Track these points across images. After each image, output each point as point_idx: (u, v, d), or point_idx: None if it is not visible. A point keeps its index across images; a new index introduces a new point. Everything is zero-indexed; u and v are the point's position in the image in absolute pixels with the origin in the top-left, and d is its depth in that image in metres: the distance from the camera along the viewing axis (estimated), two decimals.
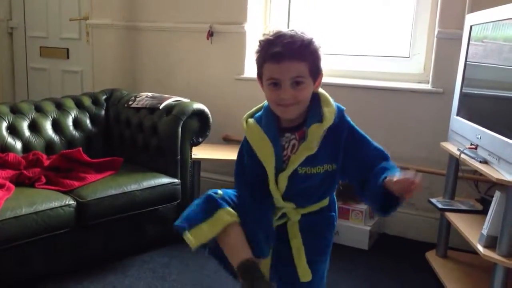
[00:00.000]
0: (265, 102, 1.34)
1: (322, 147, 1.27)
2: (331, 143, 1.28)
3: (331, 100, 1.32)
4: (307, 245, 1.35)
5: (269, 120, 1.30)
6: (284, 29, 1.27)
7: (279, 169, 1.29)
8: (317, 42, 1.27)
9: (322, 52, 1.29)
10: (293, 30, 1.26)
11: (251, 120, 1.33)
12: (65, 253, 2.20)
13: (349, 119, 1.32)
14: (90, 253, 2.30)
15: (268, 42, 1.24)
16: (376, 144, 1.32)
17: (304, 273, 1.35)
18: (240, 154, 1.40)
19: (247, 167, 1.36)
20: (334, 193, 1.42)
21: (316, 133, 1.26)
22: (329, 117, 1.27)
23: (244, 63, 3.10)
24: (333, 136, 1.28)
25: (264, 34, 1.28)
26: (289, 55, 1.21)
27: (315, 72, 1.27)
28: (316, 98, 1.30)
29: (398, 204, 1.20)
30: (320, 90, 1.33)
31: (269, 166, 1.29)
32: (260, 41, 1.27)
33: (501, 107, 1.96)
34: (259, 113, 1.35)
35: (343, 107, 1.34)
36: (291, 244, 1.34)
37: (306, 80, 1.24)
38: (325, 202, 1.37)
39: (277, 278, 1.40)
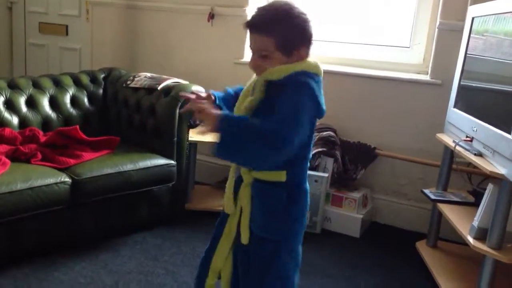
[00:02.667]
0: None
1: (265, 100, 1.30)
2: (272, 99, 1.26)
3: (298, 70, 1.27)
4: (254, 215, 1.33)
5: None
6: (278, 1, 1.30)
7: None
8: (298, 18, 1.27)
9: (305, 29, 1.29)
10: (284, 2, 1.29)
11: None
12: (59, 229, 2.22)
13: (298, 93, 1.23)
14: (83, 231, 2.31)
15: (256, 10, 1.31)
16: (279, 120, 1.19)
17: (244, 234, 1.35)
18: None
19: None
20: (303, 183, 1.36)
21: (258, 82, 1.32)
22: (273, 73, 1.27)
23: (244, 47, 3.08)
24: (275, 93, 1.26)
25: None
26: (255, 28, 1.28)
27: (286, 46, 1.27)
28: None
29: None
30: (303, 62, 1.29)
31: (240, 106, 1.36)
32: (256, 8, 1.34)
33: (498, 101, 1.97)
34: None
35: (308, 83, 1.25)
36: (242, 202, 1.35)
37: (272, 54, 1.27)
38: (280, 176, 1.31)
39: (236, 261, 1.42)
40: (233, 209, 1.39)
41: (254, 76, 1.38)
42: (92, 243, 2.32)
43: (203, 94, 1.42)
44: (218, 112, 1.21)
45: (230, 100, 1.46)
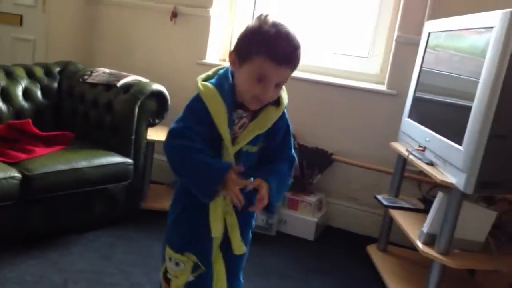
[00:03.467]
0: (220, 70, 1.32)
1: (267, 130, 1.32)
2: (274, 124, 1.32)
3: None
4: (240, 222, 1.36)
5: (228, 93, 1.26)
6: (279, 23, 1.22)
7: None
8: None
9: None
10: (287, 28, 1.22)
11: (210, 86, 1.27)
12: (7, 227, 2.12)
13: (285, 112, 1.38)
14: (33, 228, 2.22)
15: (272, 36, 1.19)
16: (291, 146, 1.40)
17: (239, 246, 1.37)
18: (194, 109, 1.28)
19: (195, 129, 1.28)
20: None
21: (272, 114, 1.30)
22: (284, 103, 1.33)
23: (206, 48, 3.08)
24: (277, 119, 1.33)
25: (259, 19, 1.23)
26: (289, 62, 1.22)
27: None
28: None
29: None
30: None
31: (226, 133, 1.25)
32: (261, 27, 1.21)
33: (451, 113, 2.07)
34: (214, 80, 1.30)
35: None
36: (227, 220, 1.33)
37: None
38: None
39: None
40: (222, 231, 1.32)
41: (212, 92, 1.25)
42: (43, 241, 2.23)
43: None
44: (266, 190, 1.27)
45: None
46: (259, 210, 1.30)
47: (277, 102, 1.31)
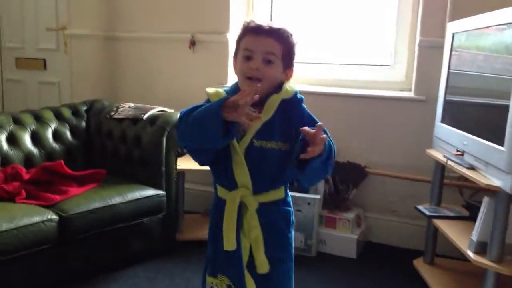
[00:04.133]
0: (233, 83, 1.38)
1: (276, 119, 1.28)
2: (285, 118, 1.28)
3: (295, 89, 1.34)
4: (266, 239, 1.31)
5: (234, 92, 1.28)
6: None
7: (238, 140, 1.28)
8: (296, 39, 1.32)
9: (297, 49, 1.33)
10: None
11: (220, 89, 1.34)
12: (47, 269, 2.12)
13: (305, 106, 1.34)
14: (72, 269, 2.22)
15: (251, 20, 1.32)
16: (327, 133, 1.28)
17: (262, 264, 1.31)
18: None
19: None
20: (288, 189, 1.39)
21: (272, 101, 1.28)
22: (288, 91, 1.30)
23: (227, 72, 3.08)
24: (288, 111, 1.29)
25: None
26: (268, 31, 1.27)
27: (288, 60, 1.31)
28: (280, 87, 1.32)
29: (309, 161, 1.20)
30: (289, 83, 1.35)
31: None
32: (244, 22, 1.33)
33: (487, 114, 1.99)
34: (226, 89, 1.37)
35: (303, 97, 1.35)
36: (250, 235, 1.30)
37: (276, 60, 1.28)
38: (281, 193, 1.34)
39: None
40: (235, 244, 1.28)
41: (217, 91, 1.31)
42: (81, 281, 2.22)
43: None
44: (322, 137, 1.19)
45: None
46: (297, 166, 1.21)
47: (279, 91, 1.30)
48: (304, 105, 1.33)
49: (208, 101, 1.30)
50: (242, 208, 1.30)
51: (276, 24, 1.30)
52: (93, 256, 2.27)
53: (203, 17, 3.11)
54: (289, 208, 1.38)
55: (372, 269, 2.48)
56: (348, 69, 3.00)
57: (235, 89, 1.32)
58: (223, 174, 1.31)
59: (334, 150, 1.28)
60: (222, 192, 1.34)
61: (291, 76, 1.34)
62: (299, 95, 1.33)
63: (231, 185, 1.30)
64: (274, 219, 1.33)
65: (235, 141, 1.26)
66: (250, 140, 1.27)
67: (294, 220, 1.40)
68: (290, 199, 1.40)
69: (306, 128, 1.18)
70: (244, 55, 1.28)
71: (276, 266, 1.33)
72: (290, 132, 1.28)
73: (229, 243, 1.28)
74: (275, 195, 1.33)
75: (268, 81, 1.27)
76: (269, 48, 1.27)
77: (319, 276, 2.38)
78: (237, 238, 1.29)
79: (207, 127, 1.20)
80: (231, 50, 3.06)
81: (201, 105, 1.26)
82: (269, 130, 1.27)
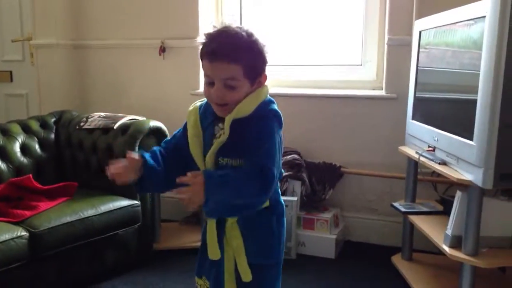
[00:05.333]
0: None
1: (236, 138, 1.23)
2: (243, 136, 1.23)
3: (263, 99, 1.28)
4: (248, 248, 1.31)
5: (208, 109, 1.32)
6: (231, 25, 1.26)
7: (205, 156, 1.30)
8: (260, 44, 1.26)
9: (265, 54, 1.27)
10: (239, 28, 1.25)
11: (197, 105, 1.36)
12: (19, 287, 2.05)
13: (273, 125, 1.24)
14: (46, 286, 2.15)
15: (208, 37, 1.24)
16: (266, 156, 1.20)
17: (245, 272, 1.30)
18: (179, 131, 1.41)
19: (175, 141, 1.39)
20: (280, 197, 1.38)
21: (227, 122, 1.24)
22: (243, 109, 1.24)
23: (199, 77, 3.05)
24: (245, 128, 1.23)
25: (213, 26, 1.27)
26: (221, 55, 1.20)
27: (253, 74, 1.25)
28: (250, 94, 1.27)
29: None
30: (261, 90, 1.28)
31: (195, 151, 1.30)
32: (204, 34, 1.26)
33: (456, 109, 2.01)
34: (202, 103, 1.37)
35: (276, 110, 1.27)
36: (232, 244, 1.30)
37: (238, 83, 1.22)
38: (266, 202, 1.32)
39: None
40: (219, 254, 1.30)
41: (194, 107, 1.34)
42: None
43: (136, 156, 1.29)
44: (202, 181, 1.12)
45: (159, 157, 1.34)
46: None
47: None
48: (271, 122, 1.24)
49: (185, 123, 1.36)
50: (223, 218, 1.31)
51: (233, 38, 1.21)
52: (67, 272, 2.21)
53: (172, 22, 3.07)
54: (274, 216, 1.35)
55: (351, 268, 2.48)
56: (319, 70, 3.00)
57: (208, 103, 1.31)
58: None
59: (265, 174, 1.18)
60: None
61: (264, 80, 1.30)
62: (272, 108, 1.27)
63: None
64: (254, 229, 1.32)
65: (201, 164, 1.29)
66: (215, 159, 1.27)
67: (280, 228, 1.36)
68: (278, 205, 1.36)
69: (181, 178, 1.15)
70: (205, 80, 1.26)
71: (261, 273, 1.33)
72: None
73: (212, 253, 1.31)
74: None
75: (235, 102, 1.24)
76: (227, 74, 1.21)
77: (299, 277, 2.37)
78: (221, 247, 1.31)
79: None
80: None
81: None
82: (230, 149, 1.25)
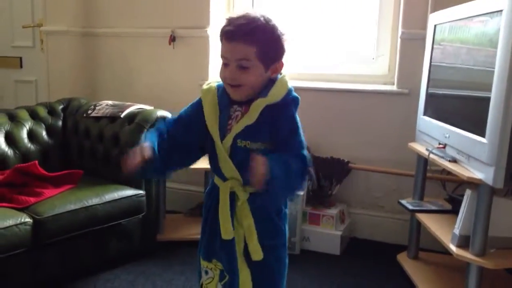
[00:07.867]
0: None
1: (262, 122, 1.28)
2: (272, 120, 1.29)
3: (288, 87, 1.33)
4: (257, 228, 1.34)
5: (224, 91, 1.34)
6: (252, 12, 1.28)
7: (222, 138, 1.32)
8: (278, 30, 1.28)
9: (283, 42, 1.30)
10: (259, 14, 1.27)
11: (213, 85, 1.38)
12: (21, 274, 2.05)
13: (294, 110, 1.32)
14: (49, 273, 2.15)
15: (228, 20, 1.28)
16: (301, 145, 1.30)
17: (256, 251, 1.33)
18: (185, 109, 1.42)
19: (183, 123, 1.40)
20: None
21: (256, 106, 1.28)
22: (276, 95, 1.29)
23: (208, 67, 3.02)
24: (274, 113, 1.29)
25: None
26: (238, 36, 1.24)
27: (268, 58, 1.28)
28: (272, 83, 1.31)
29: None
30: (283, 77, 1.33)
31: (214, 129, 1.32)
32: (226, 18, 1.30)
33: (468, 106, 1.96)
34: (219, 84, 1.39)
35: (298, 97, 1.34)
36: (243, 224, 1.33)
37: (252, 64, 1.25)
38: None
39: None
40: (232, 233, 1.32)
41: (209, 86, 1.36)
42: (59, 286, 2.16)
43: (149, 151, 1.29)
44: (265, 168, 1.15)
45: (166, 143, 1.36)
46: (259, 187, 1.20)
47: (266, 95, 1.29)
48: (292, 107, 1.31)
49: (198, 99, 1.37)
50: (234, 197, 1.33)
51: (251, 21, 1.25)
52: (70, 260, 2.21)
53: (183, 11, 3.04)
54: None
55: (356, 265, 2.45)
56: (331, 63, 2.95)
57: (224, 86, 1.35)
58: (214, 168, 1.37)
59: (307, 164, 1.27)
60: (217, 180, 1.38)
61: (280, 69, 1.33)
62: (293, 94, 1.32)
63: (223, 177, 1.35)
64: (264, 209, 1.35)
65: (218, 142, 1.31)
66: (233, 140, 1.30)
67: (287, 211, 1.42)
68: None
69: (253, 156, 1.18)
70: (222, 61, 1.29)
71: (269, 253, 1.36)
72: (276, 132, 1.29)
73: (226, 233, 1.33)
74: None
75: (248, 85, 1.28)
76: (241, 54, 1.25)
77: (303, 273, 2.35)
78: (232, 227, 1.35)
79: None
80: (211, 45, 3.01)
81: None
82: (253, 132, 1.29)
